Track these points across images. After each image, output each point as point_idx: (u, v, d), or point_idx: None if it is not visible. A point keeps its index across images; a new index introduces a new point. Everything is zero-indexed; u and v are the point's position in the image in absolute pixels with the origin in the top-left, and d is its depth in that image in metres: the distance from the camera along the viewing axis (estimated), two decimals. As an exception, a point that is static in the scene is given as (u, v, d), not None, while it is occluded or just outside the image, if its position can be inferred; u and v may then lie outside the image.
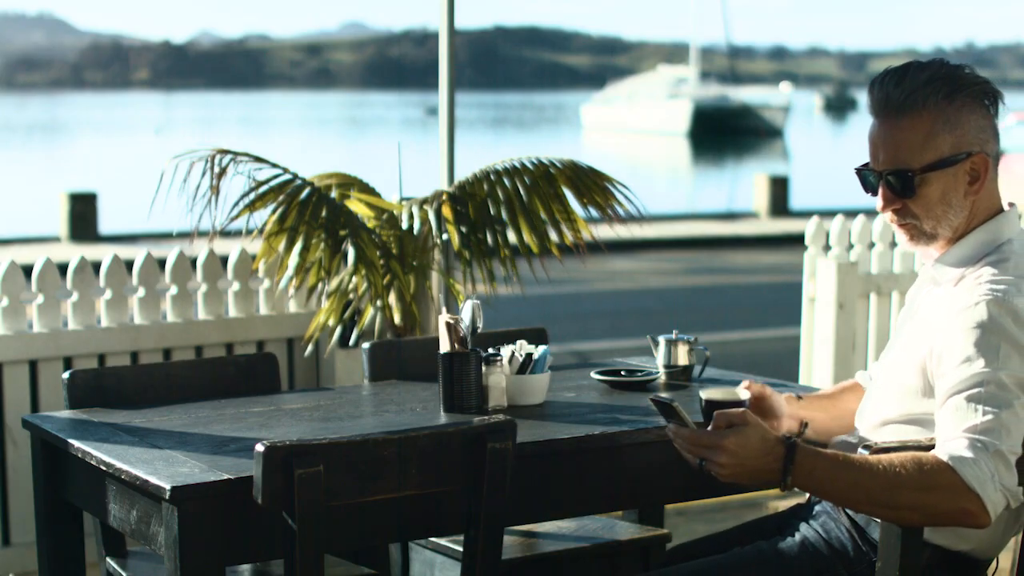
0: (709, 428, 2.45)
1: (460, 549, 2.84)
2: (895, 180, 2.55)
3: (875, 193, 2.60)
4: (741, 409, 2.46)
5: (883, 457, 2.39)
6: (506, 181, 4.83)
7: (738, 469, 2.41)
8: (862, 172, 2.62)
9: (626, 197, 4.84)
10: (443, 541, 3.34)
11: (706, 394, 2.67)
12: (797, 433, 2.70)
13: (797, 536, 2.71)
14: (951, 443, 2.37)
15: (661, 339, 3.45)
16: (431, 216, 4.77)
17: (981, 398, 2.37)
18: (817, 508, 2.74)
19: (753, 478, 2.42)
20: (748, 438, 2.40)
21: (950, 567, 2.59)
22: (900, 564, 2.49)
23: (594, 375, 3.45)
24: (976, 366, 2.39)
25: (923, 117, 2.52)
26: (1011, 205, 2.64)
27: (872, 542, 2.62)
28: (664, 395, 2.55)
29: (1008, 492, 2.35)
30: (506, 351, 3.17)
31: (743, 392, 2.73)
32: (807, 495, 2.77)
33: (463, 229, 4.82)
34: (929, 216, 2.56)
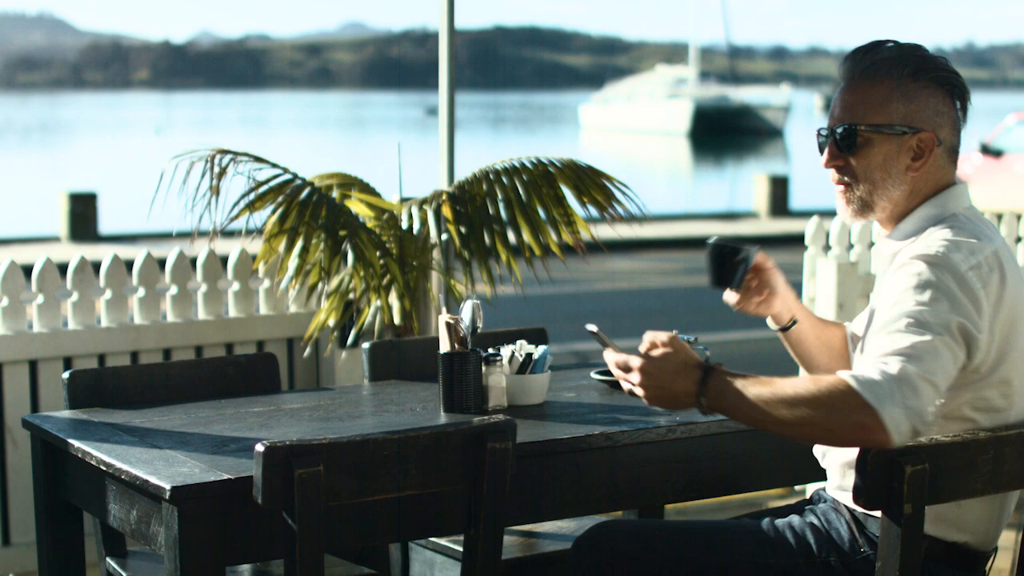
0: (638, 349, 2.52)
1: (460, 549, 2.85)
2: (842, 135, 2.62)
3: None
4: (667, 334, 2.52)
5: (790, 378, 2.44)
6: (505, 181, 4.83)
7: (657, 392, 2.49)
8: (818, 134, 2.69)
9: (626, 196, 4.84)
10: (443, 541, 3.34)
11: (716, 239, 2.80)
12: (787, 324, 2.88)
13: (797, 520, 2.73)
14: (859, 366, 2.41)
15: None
16: (430, 216, 4.77)
17: (898, 329, 2.40)
18: (821, 503, 2.74)
19: (672, 400, 2.49)
20: (666, 362, 2.47)
21: (948, 559, 2.60)
22: (900, 564, 2.49)
23: (594, 375, 3.45)
24: (901, 307, 2.43)
25: (883, 84, 2.60)
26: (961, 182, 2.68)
27: (870, 537, 2.63)
28: (591, 325, 2.66)
29: (911, 413, 2.33)
30: (506, 351, 3.17)
31: (753, 250, 2.82)
32: (807, 494, 2.77)
33: (463, 229, 4.82)
34: (866, 179, 2.62)
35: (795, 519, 2.74)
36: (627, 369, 2.51)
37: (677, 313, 11.96)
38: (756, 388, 2.43)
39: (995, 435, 2.58)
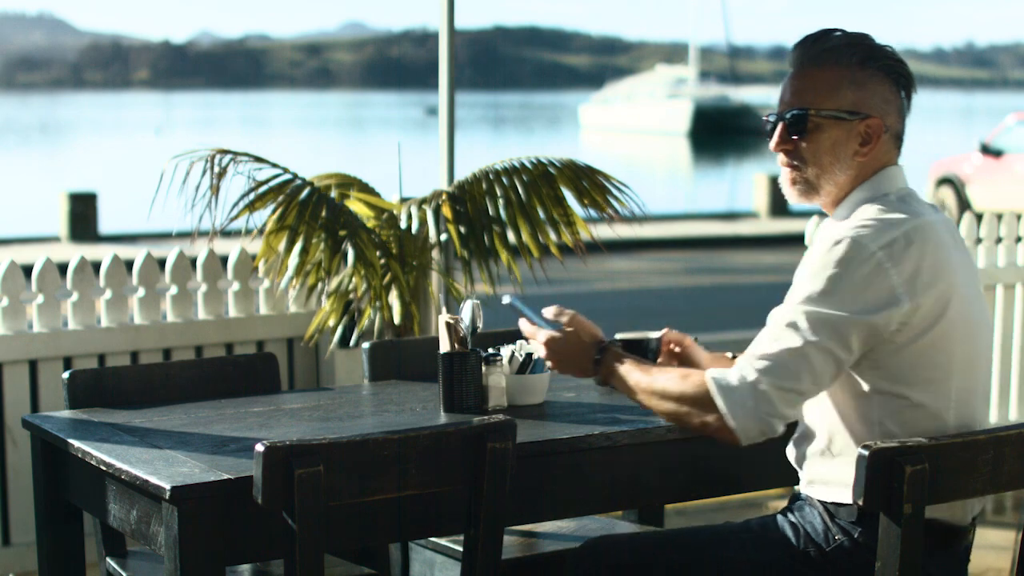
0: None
1: (460, 549, 2.84)
2: (792, 119, 2.68)
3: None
4: (570, 313, 2.84)
5: (667, 368, 2.72)
6: (505, 181, 4.83)
7: (561, 363, 2.84)
8: (767, 119, 2.75)
9: (626, 196, 4.84)
10: (443, 541, 3.34)
11: (620, 335, 3.02)
12: None
13: (778, 518, 2.77)
14: (730, 369, 2.59)
15: (661, 339, 3.44)
16: (430, 216, 4.77)
17: (777, 330, 2.56)
18: (796, 500, 2.78)
19: (574, 370, 2.83)
20: (568, 340, 2.82)
21: (927, 533, 2.59)
22: (900, 563, 2.49)
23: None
24: (793, 299, 2.57)
25: (833, 71, 2.66)
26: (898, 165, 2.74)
27: (843, 526, 2.65)
28: (507, 297, 2.96)
29: (761, 421, 2.55)
30: (506, 351, 3.17)
31: (653, 334, 3.03)
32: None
33: (462, 229, 4.82)
34: (814, 163, 2.67)
35: (776, 517, 2.77)
36: (540, 344, 2.85)
37: (677, 313, 11.96)
38: (636, 375, 2.72)
39: (995, 435, 2.58)
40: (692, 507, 5.34)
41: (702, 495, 3.22)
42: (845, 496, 2.61)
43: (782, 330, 2.56)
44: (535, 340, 2.88)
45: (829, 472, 2.67)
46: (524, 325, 2.90)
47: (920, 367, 2.58)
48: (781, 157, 2.72)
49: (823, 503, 2.69)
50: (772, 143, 2.72)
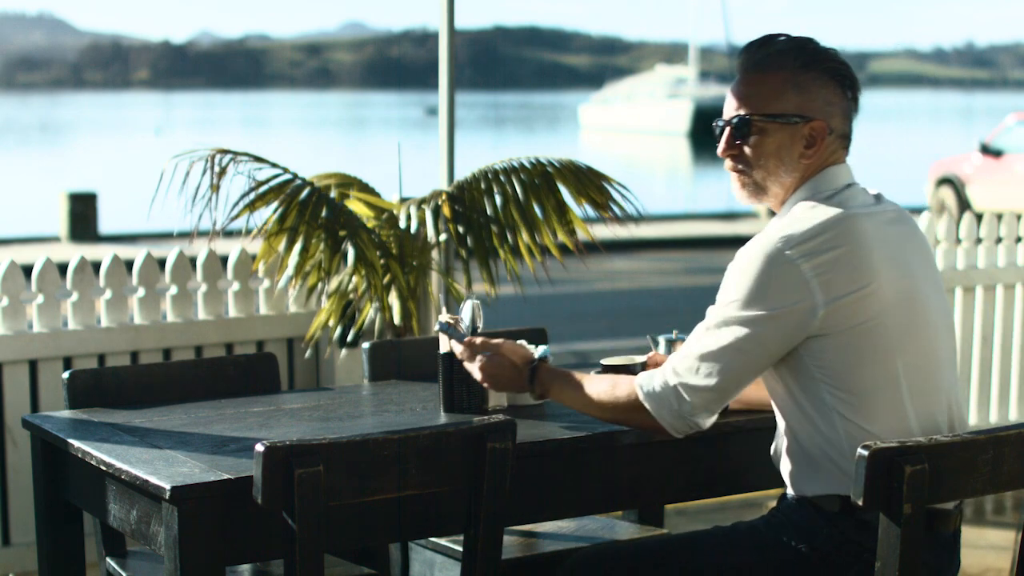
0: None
1: (460, 549, 2.84)
2: (737, 124, 2.74)
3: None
4: (496, 341, 2.94)
5: (596, 378, 2.85)
6: (504, 181, 4.83)
7: (496, 384, 2.95)
8: (716, 125, 2.80)
9: (624, 197, 4.84)
10: (443, 541, 3.34)
11: (606, 361, 3.09)
12: None
13: (766, 518, 2.79)
14: (657, 372, 2.74)
15: (661, 339, 3.44)
16: (429, 216, 4.77)
17: (699, 333, 2.69)
18: (784, 500, 2.80)
19: (509, 389, 2.96)
20: (500, 363, 2.92)
21: None
22: (900, 563, 2.49)
23: (594, 374, 3.45)
24: (717, 301, 2.67)
25: (776, 76, 2.72)
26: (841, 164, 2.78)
27: (828, 518, 2.67)
28: (443, 317, 3.04)
29: (686, 419, 2.71)
30: (506, 351, 3.16)
31: (639, 358, 3.09)
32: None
33: (462, 229, 4.82)
34: (760, 167, 2.73)
35: (764, 518, 2.80)
36: (474, 369, 2.95)
37: (677, 313, 11.95)
38: (568, 391, 2.87)
39: (995, 435, 2.58)
40: (692, 507, 5.34)
41: (702, 495, 3.22)
42: (823, 488, 2.66)
43: (703, 331, 2.68)
44: (468, 363, 2.97)
45: (801, 467, 2.71)
46: (456, 347, 2.99)
47: (857, 362, 2.61)
48: (728, 163, 2.79)
49: (808, 500, 2.71)
50: (719, 148, 2.78)
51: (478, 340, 2.96)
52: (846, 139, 2.77)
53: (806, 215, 2.63)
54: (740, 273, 2.63)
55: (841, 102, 2.74)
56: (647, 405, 2.73)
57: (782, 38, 2.75)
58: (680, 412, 2.70)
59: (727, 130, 2.76)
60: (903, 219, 2.74)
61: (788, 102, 2.70)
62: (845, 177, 2.75)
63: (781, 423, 2.77)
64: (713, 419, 2.75)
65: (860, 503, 2.47)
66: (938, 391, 2.69)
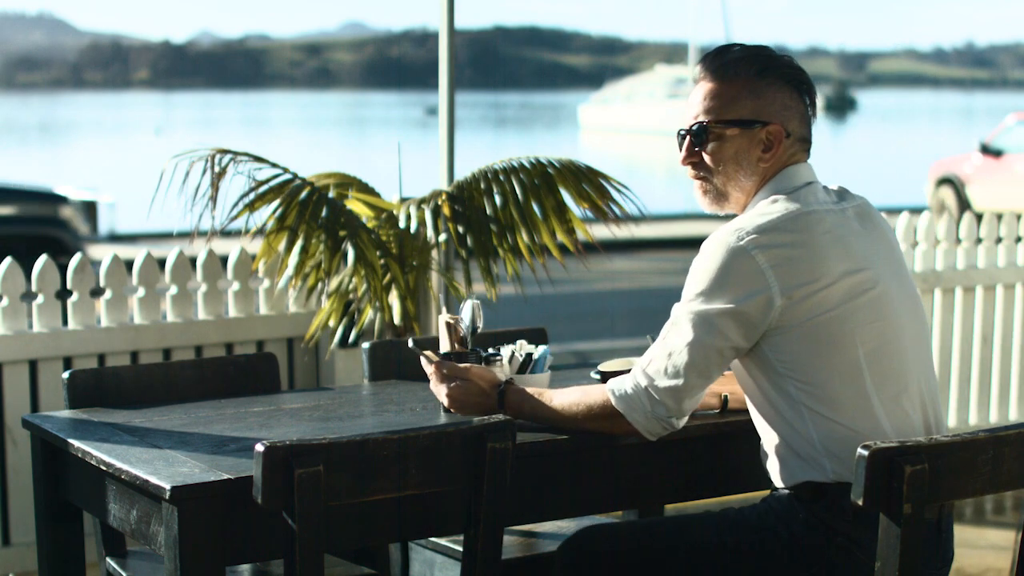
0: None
1: (460, 549, 2.84)
2: (696, 131, 2.80)
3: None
4: (464, 365, 2.94)
5: (567, 391, 2.85)
6: (504, 181, 4.83)
7: (463, 409, 2.92)
8: (677, 134, 2.86)
9: (625, 197, 4.84)
10: (443, 541, 3.34)
11: (603, 367, 3.09)
12: (719, 406, 3.05)
13: (753, 506, 2.86)
14: (627, 376, 2.77)
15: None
16: (429, 216, 4.77)
17: (664, 335, 2.73)
18: (774, 492, 2.84)
19: (480, 413, 2.90)
20: (467, 389, 2.91)
21: None
22: (900, 563, 2.49)
23: (594, 375, 3.45)
24: (681, 300, 2.72)
25: (732, 83, 2.78)
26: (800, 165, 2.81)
27: (806, 504, 2.70)
28: (411, 341, 3.10)
29: (658, 420, 2.73)
30: (506, 351, 3.17)
31: (637, 361, 3.00)
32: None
33: (461, 229, 4.82)
34: (720, 172, 2.80)
35: (751, 506, 2.86)
36: (441, 395, 2.95)
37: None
38: (539, 409, 2.86)
39: (995, 435, 2.58)
40: (692, 507, 5.34)
41: (702, 495, 3.22)
42: (799, 477, 2.71)
43: (668, 330, 2.73)
44: (436, 388, 2.97)
45: (778, 460, 2.76)
46: (428, 369, 3.00)
47: (817, 353, 2.65)
48: (689, 171, 2.85)
49: (786, 489, 2.76)
50: (680, 157, 2.83)
51: (444, 367, 2.95)
52: (805, 142, 2.83)
53: (766, 210, 2.70)
54: (700, 268, 2.70)
55: (798, 106, 2.80)
56: (619, 409, 2.77)
57: (737, 48, 2.83)
58: (653, 413, 2.74)
59: (687, 138, 2.83)
60: (866, 213, 2.80)
61: (744, 107, 2.76)
62: (806, 176, 2.80)
63: (756, 419, 2.82)
64: (685, 419, 2.78)
65: (860, 503, 2.48)
66: (906, 380, 2.71)
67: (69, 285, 4.64)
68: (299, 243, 4.61)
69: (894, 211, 9.16)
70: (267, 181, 4.64)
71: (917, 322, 2.78)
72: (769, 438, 2.78)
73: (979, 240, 6.17)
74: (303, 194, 4.63)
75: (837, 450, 2.67)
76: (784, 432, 2.73)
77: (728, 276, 2.65)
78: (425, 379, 3.49)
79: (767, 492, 2.88)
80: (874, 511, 2.53)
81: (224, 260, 4.95)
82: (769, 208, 2.71)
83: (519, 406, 2.90)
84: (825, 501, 2.69)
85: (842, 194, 2.82)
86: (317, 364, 5.10)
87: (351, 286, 4.70)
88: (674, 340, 2.70)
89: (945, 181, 18.12)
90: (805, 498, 2.72)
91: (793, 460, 2.73)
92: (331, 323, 4.76)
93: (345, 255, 4.70)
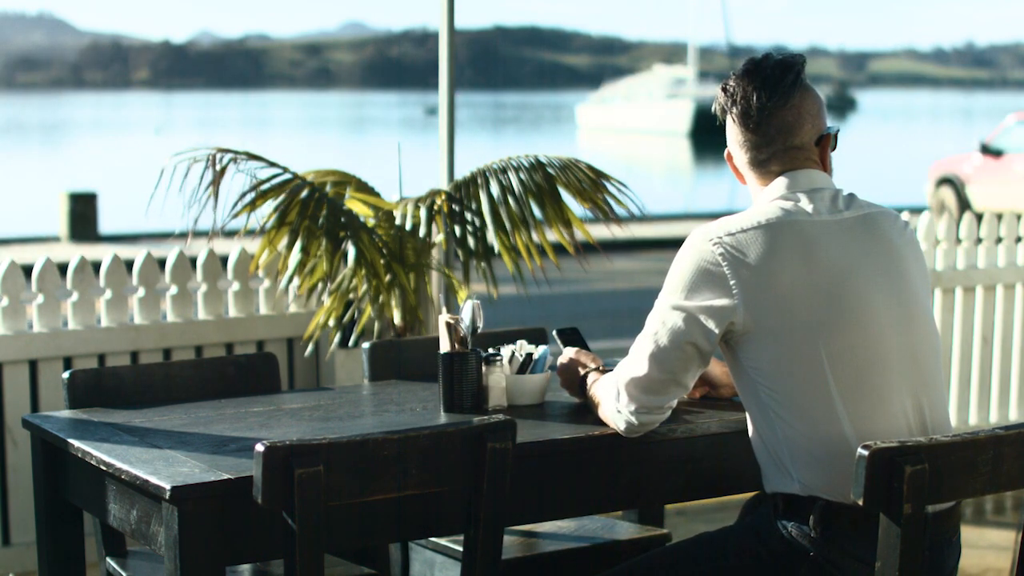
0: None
1: (460, 549, 2.84)
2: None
3: None
4: (574, 351, 3.16)
5: (599, 382, 2.99)
6: (503, 180, 4.83)
7: (567, 387, 3.15)
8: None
9: (625, 196, 4.84)
10: (443, 541, 3.34)
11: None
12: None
13: (739, 524, 2.89)
14: (611, 374, 2.89)
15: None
16: (424, 215, 4.76)
17: (640, 337, 2.79)
18: (760, 499, 2.90)
19: (575, 392, 3.13)
20: (568, 370, 3.13)
21: None
22: (900, 563, 2.49)
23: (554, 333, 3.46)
24: (658, 299, 2.78)
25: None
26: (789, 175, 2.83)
27: (786, 514, 2.72)
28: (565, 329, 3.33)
29: (639, 420, 2.80)
30: (506, 351, 3.17)
31: None
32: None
33: (461, 229, 4.82)
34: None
35: (731, 527, 2.87)
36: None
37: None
38: (591, 397, 3.00)
39: (995, 435, 2.58)
40: (692, 507, 5.34)
41: (702, 495, 3.22)
42: (773, 486, 2.74)
43: (643, 330, 2.78)
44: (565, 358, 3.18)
45: (760, 464, 2.80)
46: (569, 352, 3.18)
47: (780, 359, 2.66)
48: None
49: (766, 496, 2.79)
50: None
51: (569, 352, 3.18)
52: (761, 164, 2.81)
53: (744, 213, 2.75)
54: (673, 264, 2.76)
55: (740, 136, 2.81)
56: (596, 399, 2.94)
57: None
58: (634, 413, 2.79)
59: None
60: (871, 223, 2.76)
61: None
62: (794, 185, 2.77)
63: (748, 422, 2.86)
64: (660, 418, 2.82)
65: (860, 503, 2.48)
66: (885, 391, 2.67)
67: (69, 285, 4.64)
68: (299, 243, 4.61)
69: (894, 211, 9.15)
70: (267, 180, 4.64)
71: (909, 332, 2.72)
72: (754, 441, 2.81)
73: (979, 240, 6.17)
74: (303, 194, 4.63)
75: (801, 459, 2.68)
76: (761, 437, 2.76)
77: (691, 275, 2.71)
78: (425, 379, 3.49)
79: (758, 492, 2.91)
80: (874, 511, 2.53)
81: (224, 260, 4.95)
82: (747, 212, 2.75)
83: (588, 390, 3.04)
84: (799, 517, 2.69)
85: (850, 202, 2.79)
86: (317, 364, 5.10)
87: (351, 286, 4.70)
88: (647, 338, 2.77)
89: (945, 181, 18.11)
90: (781, 510, 2.73)
91: (770, 466, 2.76)
92: (331, 323, 4.76)
93: (345, 255, 4.70)
